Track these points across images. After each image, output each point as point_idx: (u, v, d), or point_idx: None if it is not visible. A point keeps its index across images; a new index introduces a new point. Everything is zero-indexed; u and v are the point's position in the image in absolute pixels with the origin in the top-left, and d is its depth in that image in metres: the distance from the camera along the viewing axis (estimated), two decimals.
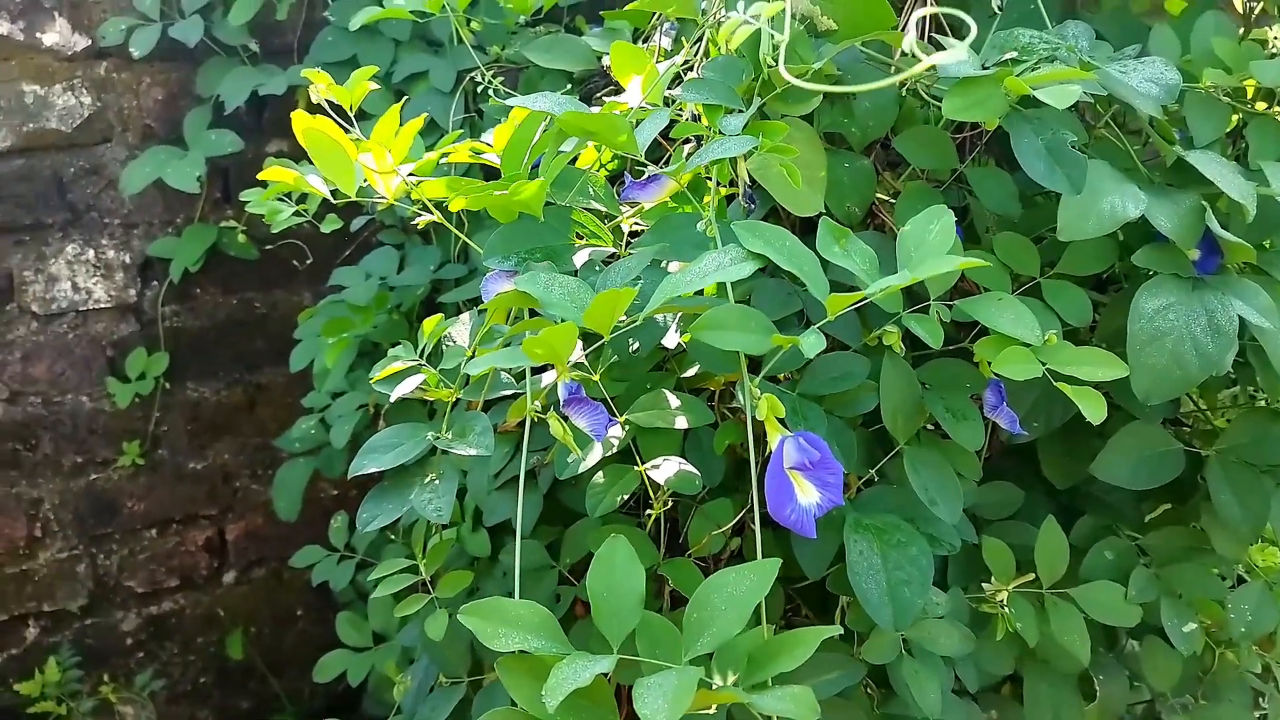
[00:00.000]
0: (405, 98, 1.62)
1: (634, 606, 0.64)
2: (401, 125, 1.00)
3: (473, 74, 1.63)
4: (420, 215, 1.00)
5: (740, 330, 0.72)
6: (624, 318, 0.74)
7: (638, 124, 0.89)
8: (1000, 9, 1.15)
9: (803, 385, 0.99)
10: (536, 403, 0.79)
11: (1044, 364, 0.92)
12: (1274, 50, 1.12)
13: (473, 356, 0.94)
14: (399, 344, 1.11)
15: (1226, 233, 0.96)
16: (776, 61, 0.85)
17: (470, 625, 0.63)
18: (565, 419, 0.82)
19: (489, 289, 0.90)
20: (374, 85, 1.11)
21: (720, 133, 0.87)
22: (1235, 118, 1.16)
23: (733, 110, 0.89)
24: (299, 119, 1.02)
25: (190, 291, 1.99)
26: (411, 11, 1.45)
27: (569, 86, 1.49)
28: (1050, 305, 1.02)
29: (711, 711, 0.62)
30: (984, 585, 1.11)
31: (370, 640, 1.43)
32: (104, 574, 2.06)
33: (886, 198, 1.18)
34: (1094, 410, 0.85)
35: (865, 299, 0.72)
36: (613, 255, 0.96)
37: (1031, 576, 1.09)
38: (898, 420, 1.00)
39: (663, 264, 0.90)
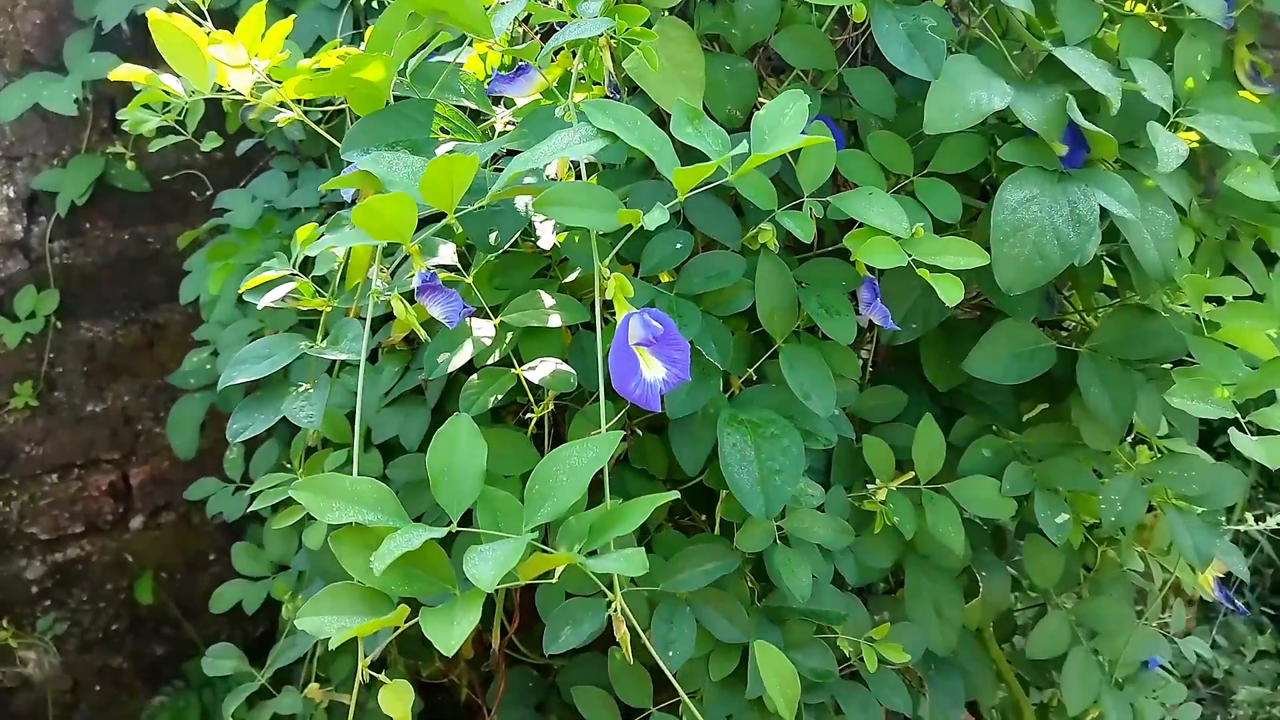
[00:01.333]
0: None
1: (474, 480, 0.64)
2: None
3: None
4: (282, 112, 0.96)
5: (585, 206, 0.71)
6: (473, 201, 0.73)
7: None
8: None
9: (680, 285, 0.99)
10: (381, 283, 0.78)
11: (910, 254, 0.93)
12: None
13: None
14: (274, 256, 1.09)
15: (1090, 124, 0.97)
16: None
17: (303, 500, 0.61)
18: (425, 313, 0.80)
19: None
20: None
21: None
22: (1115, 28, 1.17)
23: None
24: (153, 15, 0.97)
25: (79, 226, 1.91)
26: None
27: None
28: (922, 202, 1.03)
29: (555, 580, 0.62)
30: (868, 485, 1.13)
31: (267, 569, 1.41)
32: (4, 521, 1.99)
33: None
34: (950, 292, 0.86)
35: (713, 176, 0.71)
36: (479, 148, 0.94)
37: (912, 474, 1.11)
38: (774, 318, 1.01)
39: None
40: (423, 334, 0.79)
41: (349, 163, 0.88)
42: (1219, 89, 1.12)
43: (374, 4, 1.39)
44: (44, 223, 1.88)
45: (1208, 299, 1.09)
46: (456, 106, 0.94)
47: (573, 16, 0.87)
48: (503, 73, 0.94)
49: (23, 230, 1.88)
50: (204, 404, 1.65)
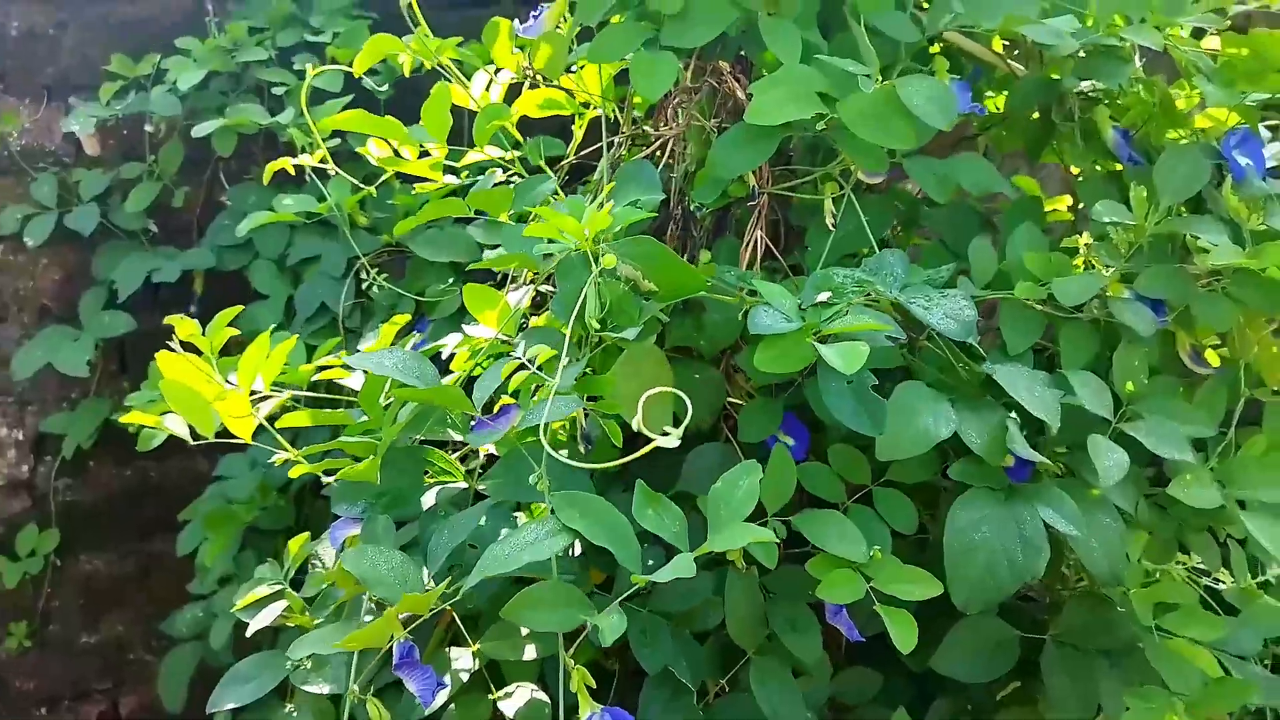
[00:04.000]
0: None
1: None
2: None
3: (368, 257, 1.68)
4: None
5: (551, 608, 0.76)
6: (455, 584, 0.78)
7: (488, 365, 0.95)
8: (835, 225, 1.25)
9: (652, 603, 1.04)
10: (355, 685, 0.82)
11: (869, 580, 0.99)
12: (1081, 261, 1.22)
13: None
14: (266, 562, 1.14)
15: (1033, 452, 1.03)
16: (600, 324, 0.93)
17: None
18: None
19: (336, 536, 0.93)
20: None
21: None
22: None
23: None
24: (163, 360, 1.06)
25: (84, 465, 1.98)
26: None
27: (452, 280, 1.56)
28: (880, 514, 1.09)
29: None
30: None
31: None
32: None
33: (740, 401, 1.25)
34: (905, 639, 0.91)
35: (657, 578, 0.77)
36: (464, 490, 1.01)
37: None
38: (744, 634, 1.05)
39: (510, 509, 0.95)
40: None
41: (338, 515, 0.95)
42: (1161, 386, 1.19)
43: (375, 288, 1.49)
44: (50, 462, 1.95)
45: None
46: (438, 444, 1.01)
47: (546, 379, 0.95)
48: (485, 417, 1.02)
49: (29, 470, 1.94)
50: (195, 655, 1.67)
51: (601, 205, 0.94)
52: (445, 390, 0.86)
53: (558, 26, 1.27)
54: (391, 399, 0.93)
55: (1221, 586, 1.21)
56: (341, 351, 1.26)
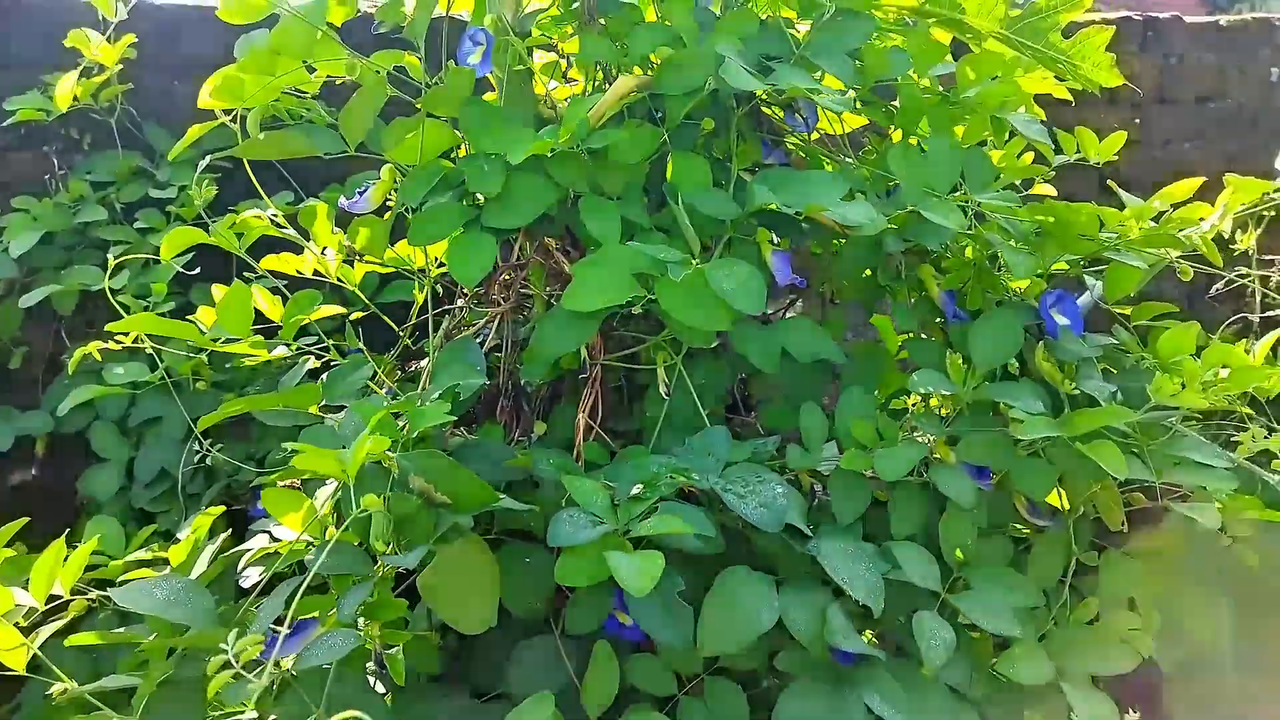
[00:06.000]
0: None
1: None
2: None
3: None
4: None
5: None
6: None
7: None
8: (668, 395, 1.24)
9: None
10: None
11: None
12: (907, 429, 1.23)
13: None
14: None
15: (857, 641, 1.02)
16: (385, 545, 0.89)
17: None
18: None
19: None
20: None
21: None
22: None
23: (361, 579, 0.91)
24: None
25: None
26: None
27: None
28: (710, 709, 1.05)
29: None
30: None
31: None
32: None
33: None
34: None
35: None
36: None
37: None
38: None
39: None
40: None
41: None
42: (992, 550, 1.19)
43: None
44: None
45: None
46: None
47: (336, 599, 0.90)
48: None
49: None
50: None
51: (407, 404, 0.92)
52: (214, 634, 0.80)
53: (385, 203, 1.26)
54: None
55: None
56: (154, 545, 1.20)
